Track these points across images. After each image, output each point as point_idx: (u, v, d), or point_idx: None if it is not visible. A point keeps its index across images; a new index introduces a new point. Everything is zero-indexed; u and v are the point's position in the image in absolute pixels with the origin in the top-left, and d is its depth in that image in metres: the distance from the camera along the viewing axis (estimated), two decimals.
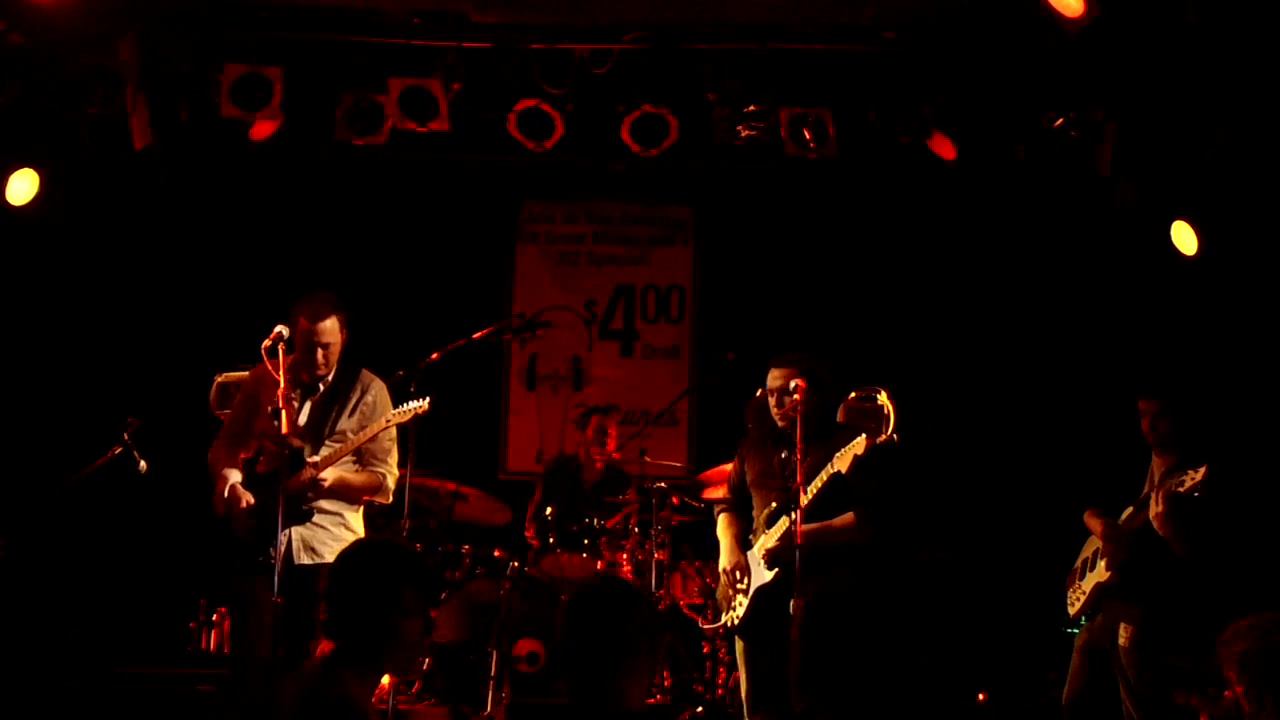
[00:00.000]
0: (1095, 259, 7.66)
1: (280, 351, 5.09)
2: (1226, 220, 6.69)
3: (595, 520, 6.83)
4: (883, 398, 6.13)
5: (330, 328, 5.25)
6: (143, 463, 5.93)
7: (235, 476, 5.25)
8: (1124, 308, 7.62)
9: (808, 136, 6.80)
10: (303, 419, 5.29)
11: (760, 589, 5.24)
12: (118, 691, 6.34)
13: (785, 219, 8.45)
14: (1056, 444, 7.54)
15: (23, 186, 6.98)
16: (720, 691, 6.66)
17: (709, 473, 7.08)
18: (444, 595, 6.76)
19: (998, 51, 6.54)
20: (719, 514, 5.63)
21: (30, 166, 6.98)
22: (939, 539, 7.31)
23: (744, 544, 5.42)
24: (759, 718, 5.22)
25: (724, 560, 5.46)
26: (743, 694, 5.37)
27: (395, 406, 5.33)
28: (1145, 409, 5.43)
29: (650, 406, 8.33)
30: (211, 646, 7.14)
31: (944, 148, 6.95)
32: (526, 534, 7.19)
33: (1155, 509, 5.05)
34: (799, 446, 5.03)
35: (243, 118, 6.73)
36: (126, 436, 5.95)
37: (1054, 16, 5.38)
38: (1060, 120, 6.73)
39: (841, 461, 5.00)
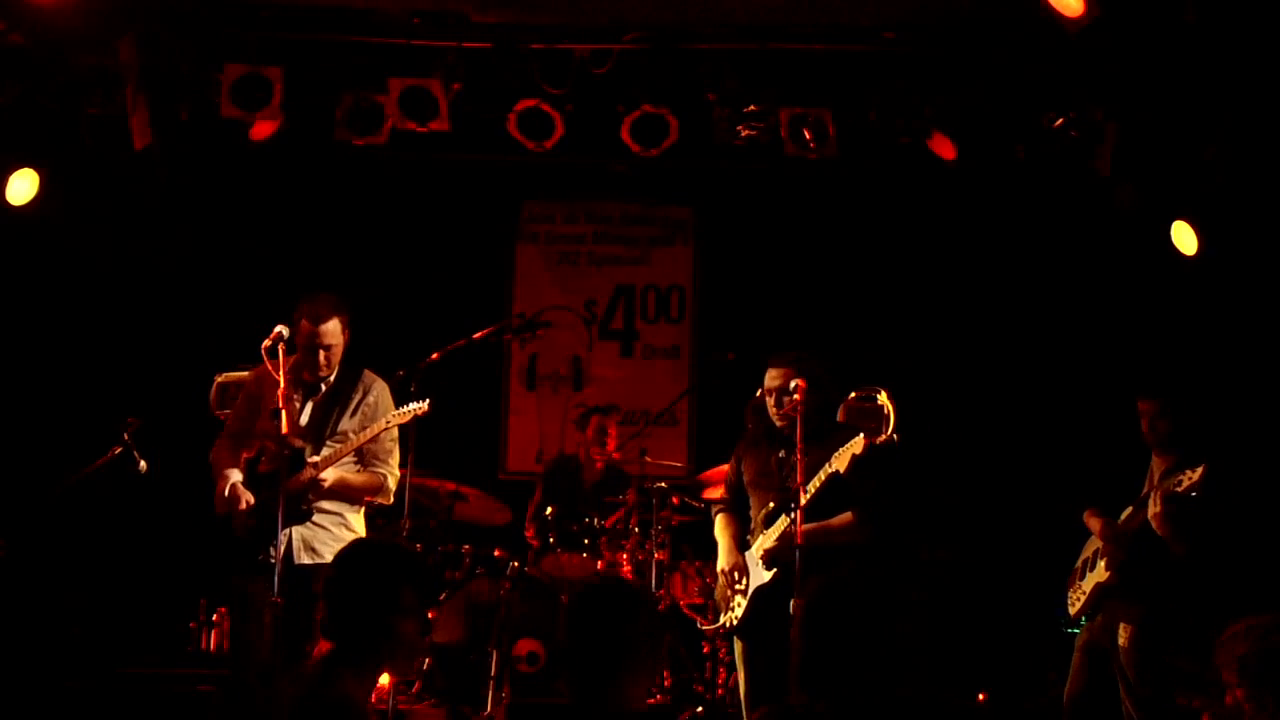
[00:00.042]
0: (1095, 259, 7.66)
1: (280, 352, 5.08)
2: (1226, 220, 6.68)
3: (595, 520, 6.82)
4: (882, 398, 6.12)
5: (332, 329, 5.26)
6: (143, 463, 5.94)
7: (236, 476, 5.25)
8: (1124, 308, 7.62)
9: (808, 136, 6.79)
10: (304, 419, 5.30)
11: (759, 589, 5.22)
12: (118, 691, 6.34)
13: (785, 219, 8.46)
14: (1056, 444, 7.54)
15: (23, 186, 6.97)
16: (720, 691, 6.66)
17: (709, 473, 7.07)
18: (444, 595, 6.76)
19: (997, 51, 6.54)
20: (716, 514, 5.62)
21: (30, 166, 6.97)
22: (939, 539, 7.32)
23: (741, 544, 5.41)
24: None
25: (722, 561, 5.45)
26: (741, 694, 5.35)
27: (397, 407, 5.34)
28: (1144, 409, 5.43)
29: (650, 406, 8.33)
30: (211, 646, 7.14)
31: (944, 148, 6.95)
32: (526, 534, 7.19)
33: (1154, 509, 5.05)
34: (799, 446, 5.02)
35: (243, 118, 6.73)
36: (126, 436, 5.96)
37: (1054, 16, 5.38)
38: (1060, 120, 6.72)
39: (839, 461, 4.99)
